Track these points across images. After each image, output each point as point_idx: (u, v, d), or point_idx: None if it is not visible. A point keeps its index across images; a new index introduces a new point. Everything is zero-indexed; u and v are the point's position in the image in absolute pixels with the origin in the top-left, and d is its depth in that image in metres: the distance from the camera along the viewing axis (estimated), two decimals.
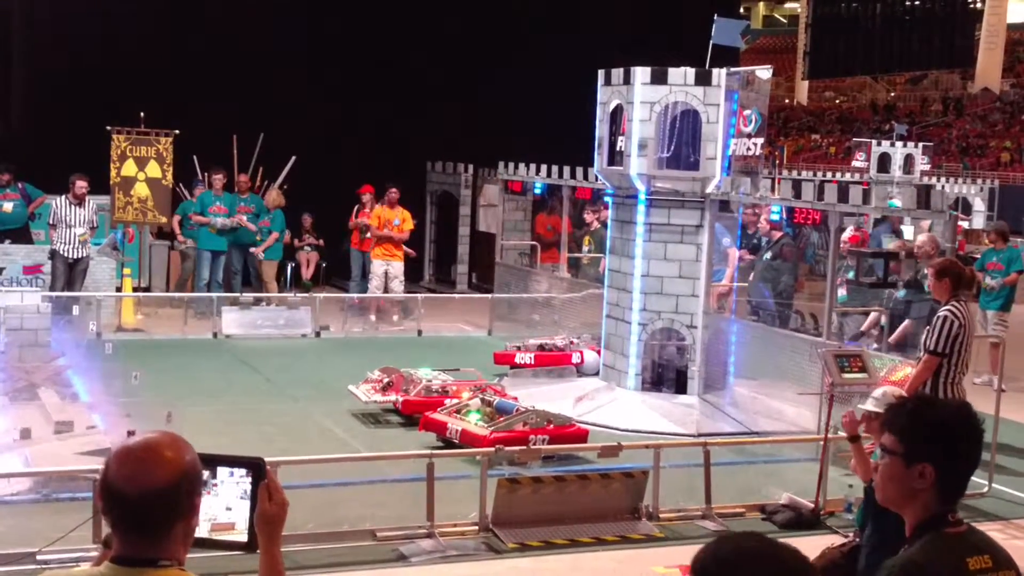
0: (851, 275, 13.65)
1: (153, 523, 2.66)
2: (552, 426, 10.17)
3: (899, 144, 32.89)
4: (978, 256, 16.99)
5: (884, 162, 31.92)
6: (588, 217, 17.94)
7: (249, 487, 2.96)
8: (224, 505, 2.97)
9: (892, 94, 69.16)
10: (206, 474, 2.85)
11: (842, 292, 13.64)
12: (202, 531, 2.89)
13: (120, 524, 2.68)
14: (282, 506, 2.96)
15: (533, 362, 13.71)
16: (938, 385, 8.54)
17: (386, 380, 11.79)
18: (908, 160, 32.01)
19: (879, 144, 33.23)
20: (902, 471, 3.16)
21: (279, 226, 18.29)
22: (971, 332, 8.61)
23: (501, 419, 10.20)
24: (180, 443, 2.73)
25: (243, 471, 2.98)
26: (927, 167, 35.63)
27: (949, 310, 8.49)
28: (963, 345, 8.49)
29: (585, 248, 17.96)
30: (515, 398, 11.11)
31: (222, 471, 2.97)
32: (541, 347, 13.99)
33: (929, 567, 3.08)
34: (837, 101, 70.99)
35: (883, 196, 11.64)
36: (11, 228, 17.03)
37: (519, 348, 13.99)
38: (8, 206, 17.07)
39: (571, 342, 14.21)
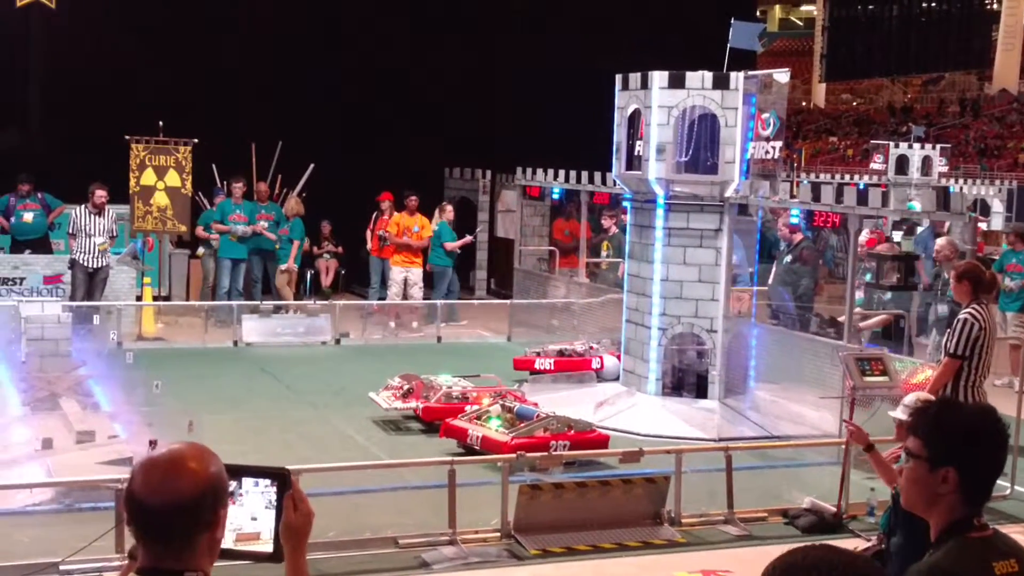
0: (868, 278, 13.60)
1: (178, 534, 2.66)
2: (573, 432, 10.16)
3: (917, 146, 32.79)
4: (996, 258, 16.92)
5: (902, 164, 31.83)
6: (606, 222, 17.93)
7: (274, 497, 2.96)
8: (249, 515, 2.96)
9: (909, 96, 68.99)
10: (232, 484, 2.85)
11: (859, 295, 13.59)
12: (227, 541, 2.88)
13: (145, 535, 2.68)
14: (307, 517, 2.96)
15: (553, 368, 13.68)
16: (959, 388, 8.49)
17: (406, 387, 11.80)
18: (926, 162, 31.91)
19: (897, 146, 33.11)
20: (926, 475, 3.16)
21: (298, 234, 18.33)
22: (992, 335, 8.58)
23: (522, 425, 10.20)
24: (206, 454, 2.73)
25: (268, 481, 2.98)
26: (945, 169, 35.53)
27: (970, 313, 8.46)
28: (984, 348, 8.45)
29: (604, 253, 17.95)
30: (535, 404, 11.11)
31: (247, 481, 2.96)
32: (561, 352, 13.96)
33: (955, 572, 3.07)
34: (854, 103, 70.84)
35: (901, 199, 11.61)
36: (31, 238, 17.11)
37: (539, 354, 13.98)
38: (28, 216, 17.15)
39: (591, 347, 14.19)
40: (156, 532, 2.66)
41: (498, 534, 8.40)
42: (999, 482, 9.92)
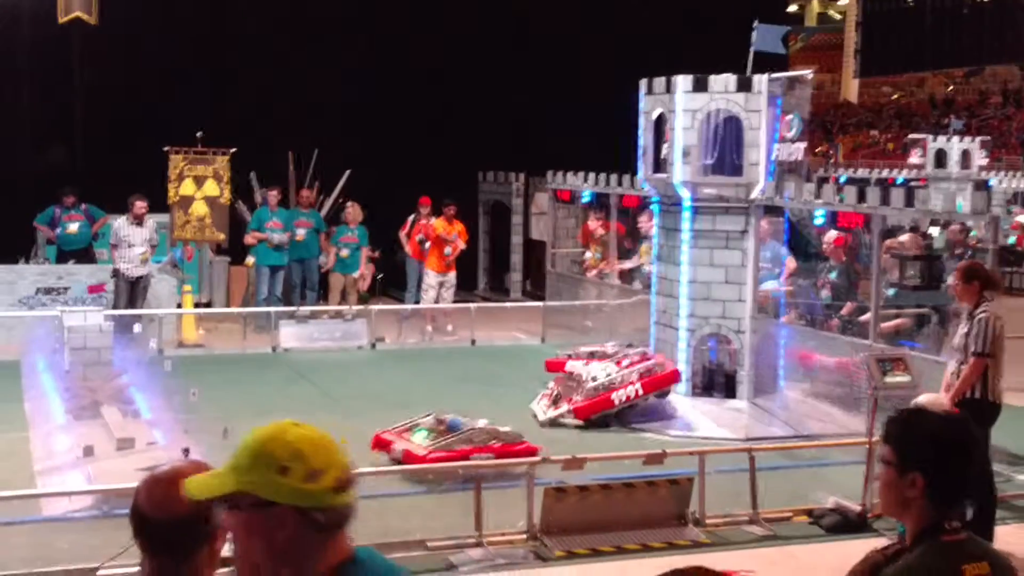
0: (833, 276, 13.57)
1: (180, 547, 2.86)
2: (499, 444, 10.20)
3: (956, 139, 32.60)
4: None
5: (941, 158, 31.67)
6: (592, 224, 18.03)
7: None
8: None
9: (951, 88, 68.26)
10: None
11: (825, 293, 13.62)
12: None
13: (148, 548, 2.89)
14: None
15: None
16: (987, 386, 8.54)
17: (556, 391, 12.06)
18: (965, 155, 31.71)
19: (935, 140, 32.94)
20: (896, 480, 3.31)
21: (365, 240, 18.53)
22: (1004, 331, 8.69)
23: (449, 436, 10.24)
24: (206, 470, 2.93)
25: None
26: (985, 162, 35.22)
27: (988, 311, 8.52)
28: (1002, 346, 8.54)
29: (595, 255, 18.07)
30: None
31: None
32: (592, 355, 14.07)
33: (926, 574, 3.22)
34: (895, 96, 70.27)
35: (924, 199, 11.63)
36: (76, 248, 17.50)
37: (570, 356, 14.09)
38: (73, 227, 17.55)
39: (628, 346, 14.35)
40: (160, 545, 2.87)
41: (524, 536, 8.57)
42: (1022, 478, 10.04)
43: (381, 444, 10.57)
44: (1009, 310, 14.30)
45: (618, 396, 11.74)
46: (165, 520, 2.82)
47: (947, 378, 8.83)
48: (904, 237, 13.20)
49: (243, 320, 17.08)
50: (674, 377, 12.15)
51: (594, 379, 11.86)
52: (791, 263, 14.29)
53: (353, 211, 18.60)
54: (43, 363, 13.19)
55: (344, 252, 18.19)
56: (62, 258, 17.49)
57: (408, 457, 10.07)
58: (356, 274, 18.32)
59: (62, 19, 19.54)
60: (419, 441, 10.27)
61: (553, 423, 11.97)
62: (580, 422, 11.69)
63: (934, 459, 3.26)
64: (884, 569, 3.35)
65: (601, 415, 11.79)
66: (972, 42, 56.39)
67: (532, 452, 10.25)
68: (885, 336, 11.87)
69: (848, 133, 61.87)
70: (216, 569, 2.95)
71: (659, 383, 12.02)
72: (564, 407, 11.66)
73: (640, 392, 11.90)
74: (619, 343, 14.56)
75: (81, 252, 17.56)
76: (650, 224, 17.55)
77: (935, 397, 7.40)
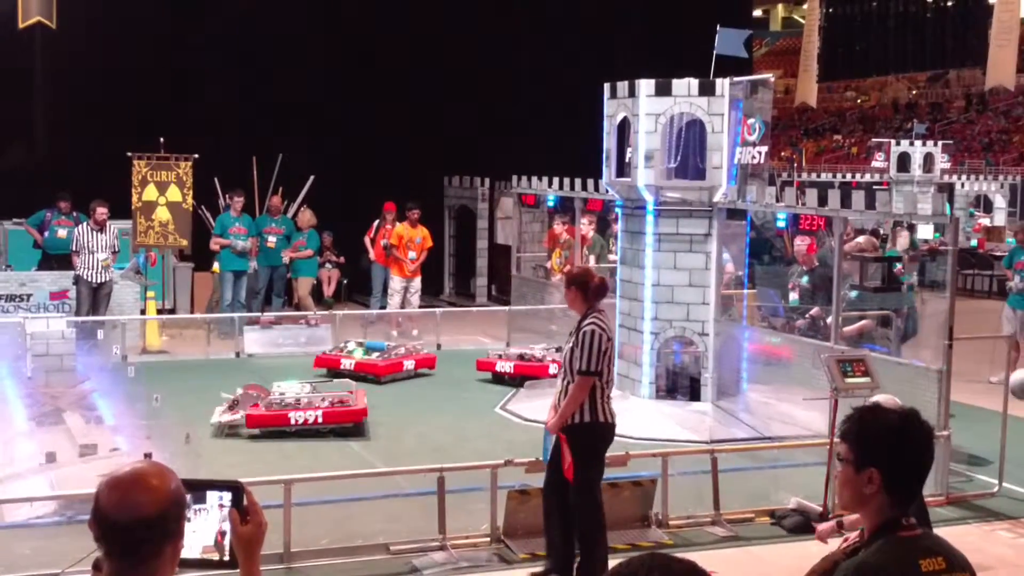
0: (805, 280, 13.66)
1: (144, 548, 2.84)
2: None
3: (918, 143, 32.92)
4: (1000, 255, 16.92)
5: (904, 162, 31.96)
6: (558, 228, 18.08)
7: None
8: (215, 528, 3.15)
9: (914, 92, 68.81)
10: (189, 497, 3.04)
11: (793, 296, 13.71)
12: (194, 552, 3.07)
13: (113, 550, 2.86)
14: (258, 527, 3.13)
15: (512, 371, 14.20)
16: (596, 405, 7.80)
17: (235, 399, 11.88)
18: (928, 159, 32.01)
19: (898, 144, 33.25)
20: (853, 476, 3.35)
21: (314, 244, 18.58)
22: (614, 344, 8.09)
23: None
24: (165, 472, 2.92)
25: (230, 494, 3.17)
26: (947, 165, 35.57)
27: (594, 323, 7.77)
28: (610, 359, 7.88)
29: (557, 260, 18.12)
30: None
31: (212, 495, 3.15)
32: (520, 357, 14.41)
33: (882, 568, 3.24)
34: (858, 101, 70.78)
35: (885, 201, 11.70)
36: (62, 253, 17.39)
37: (500, 356, 14.47)
38: (62, 232, 17.46)
39: (556, 349, 14.48)
40: (123, 546, 2.84)
41: (488, 539, 8.58)
42: (988, 479, 10.13)
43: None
44: (970, 312, 14.51)
45: (295, 416, 11.44)
46: (131, 521, 2.80)
47: (555, 397, 8.04)
48: (860, 239, 13.27)
49: (207, 326, 17.01)
50: (359, 416, 11.77)
51: (282, 394, 11.80)
52: (729, 268, 14.35)
53: (304, 216, 18.63)
54: (5, 370, 13.13)
55: (287, 258, 18.28)
56: (47, 261, 17.50)
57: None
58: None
59: (22, 24, 19.44)
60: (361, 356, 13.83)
61: (223, 429, 11.64)
62: (253, 431, 11.46)
63: (890, 454, 3.30)
64: (841, 564, 3.39)
65: (274, 429, 11.47)
66: (935, 46, 56.96)
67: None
68: (847, 339, 11.93)
69: (812, 138, 62.27)
70: (176, 567, 2.94)
71: (342, 417, 11.69)
72: (240, 414, 11.57)
73: (320, 420, 11.52)
74: (547, 346, 14.75)
75: (65, 257, 17.45)
76: (564, 228, 17.72)
77: (889, 398, 7.34)
